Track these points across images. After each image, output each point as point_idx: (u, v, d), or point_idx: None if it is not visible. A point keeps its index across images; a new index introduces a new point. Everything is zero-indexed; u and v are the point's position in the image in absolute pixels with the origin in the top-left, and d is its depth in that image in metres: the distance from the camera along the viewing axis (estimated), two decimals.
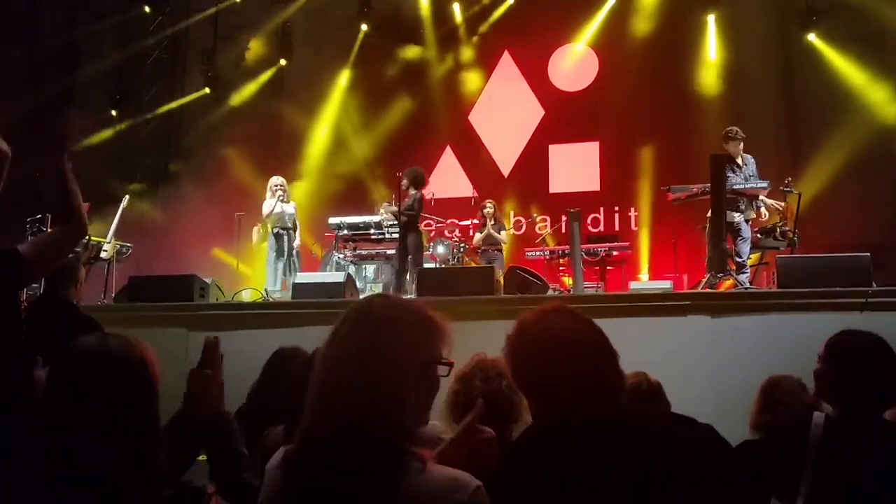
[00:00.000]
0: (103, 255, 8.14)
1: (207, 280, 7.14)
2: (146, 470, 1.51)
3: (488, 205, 9.80)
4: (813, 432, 2.37)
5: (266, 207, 8.87)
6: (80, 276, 4.09)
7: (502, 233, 9.81)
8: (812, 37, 10.76)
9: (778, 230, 8.02)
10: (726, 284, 7.19)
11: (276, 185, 8.94)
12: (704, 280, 7.39)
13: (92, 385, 1.53)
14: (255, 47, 12.44)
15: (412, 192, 8.64)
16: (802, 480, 2.32)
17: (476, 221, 9.79)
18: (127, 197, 9.03)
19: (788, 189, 8.11)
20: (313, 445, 1.43)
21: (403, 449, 1.42)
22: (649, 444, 1.55)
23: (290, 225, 9.02)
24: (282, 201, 8.85)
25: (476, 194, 9.99)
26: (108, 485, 1.48)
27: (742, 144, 8.10)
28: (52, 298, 4.02)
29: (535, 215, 11.02)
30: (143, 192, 11.60)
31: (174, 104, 12.89)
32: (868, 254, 6.09)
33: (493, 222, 9.65)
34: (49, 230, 2.62)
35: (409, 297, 7.29)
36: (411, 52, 12.33)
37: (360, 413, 1.41)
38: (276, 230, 8.92)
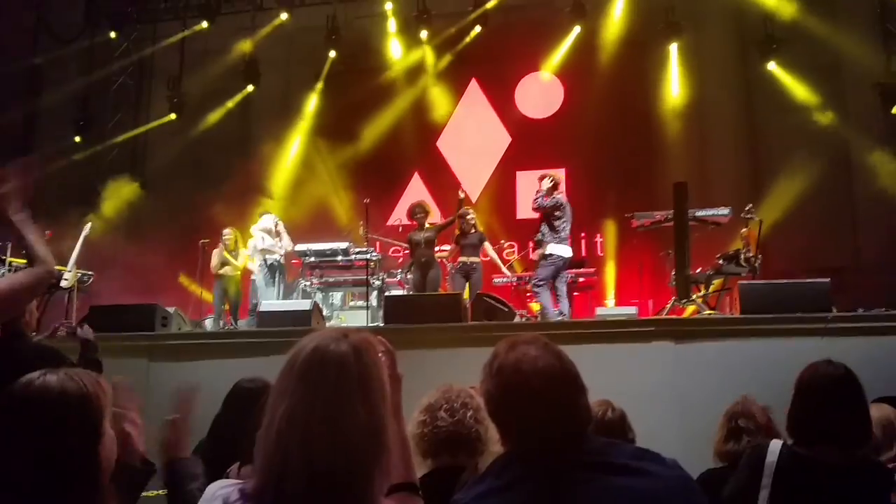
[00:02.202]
0: (63, 283, 7.99)
1: (170, 309, 7.04)
2: None
3: (471, 212, 9.19)
4: (769, 459, 2.41)
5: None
6: (29, 306, 4.01)
7: (486, 244, 9.23)
8: (772, 65, 11.00)
9: (741, 256, 8.15)
10: (689, 310, 7.27)
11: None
12: (668, 305, 7.49)
13: (23, 425, 1.49)
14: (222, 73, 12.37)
15: (427, 224, 8.94)
16: None
17: (446, 248, 9.49)
18: (89, 225, 8.91)
19: (750, 216, 8.27)
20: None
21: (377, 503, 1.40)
22: (603, 496, 1.55)
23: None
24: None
25: (444, 220, 9.99)
26: None
27: (552, 187, 8.33)
28: (8, 333, 3.95)
29: (502, 241, 11.06)
30: (106, 219, 11.44)
31: (139, 130, 12.78)
32: (828, 279, 6.21)
33: (473, 230, 9.01)
34: (16, 271, 2.63)
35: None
36: (379, 79, 12.38)
37: (349, 475, 1.37)
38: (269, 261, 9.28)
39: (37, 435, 1.48)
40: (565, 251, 8.13)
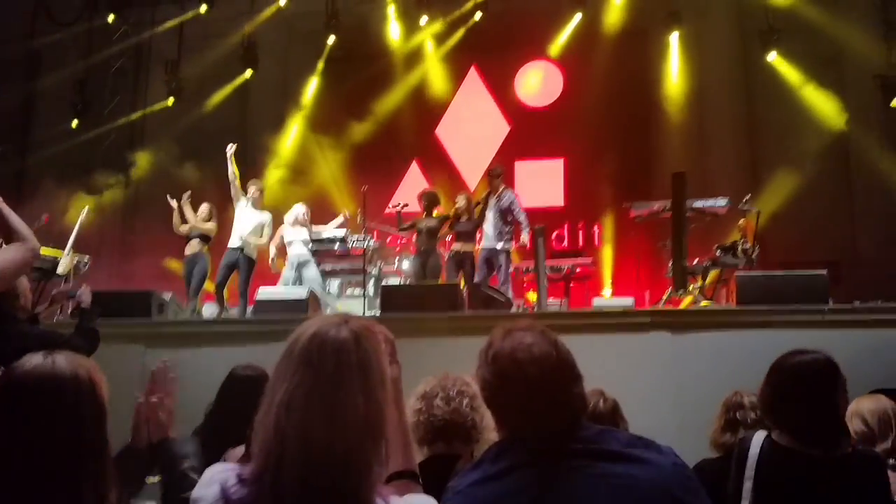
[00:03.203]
0: (60, 269, 7.94)
1: (166, 296, 7.03)
2: (91, 492, 1.47)
3: (461, 199, 8.77)
4: (752, 451, 2.41)
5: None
6: (22, 289, 4.03)
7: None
8: (772, 56, 10.96)
9: (738, 247, 8.15)
10: (686, 301, 7.28)
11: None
12: (665, 296, 7.50)
13: (38, 406, 1.48)
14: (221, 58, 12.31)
15: (434, 213, 8.78)
16: (743, 498, 2.36)
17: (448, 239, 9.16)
18: (86, 209, 8.85)
19: (747, 207, 8.27)
20: (290, 495, 1.36)
21: (375, 493, 1.40)
22: (598, 483, 1.55)
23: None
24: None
25: (441, 210, 9.96)
26: None
27: (500, 180, 8.65)
28: (1, 319, 3.97)
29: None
30: (104, 203, 11.43)
31: (137, 115, 12.73)
32: (825, 271, 6.21)
33: (466, 217, 8.62)
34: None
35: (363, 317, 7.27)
36: (379, 65, 12.33)
37: (346, 462, 1.37)
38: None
39: (53, 416, 1.48)
40: None
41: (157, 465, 1.98)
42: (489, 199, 8.52)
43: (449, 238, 8.89)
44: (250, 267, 8.49)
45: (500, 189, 8.52)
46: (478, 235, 8.67)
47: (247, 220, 8.56)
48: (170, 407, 2.01)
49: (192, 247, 8.78)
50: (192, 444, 2.38)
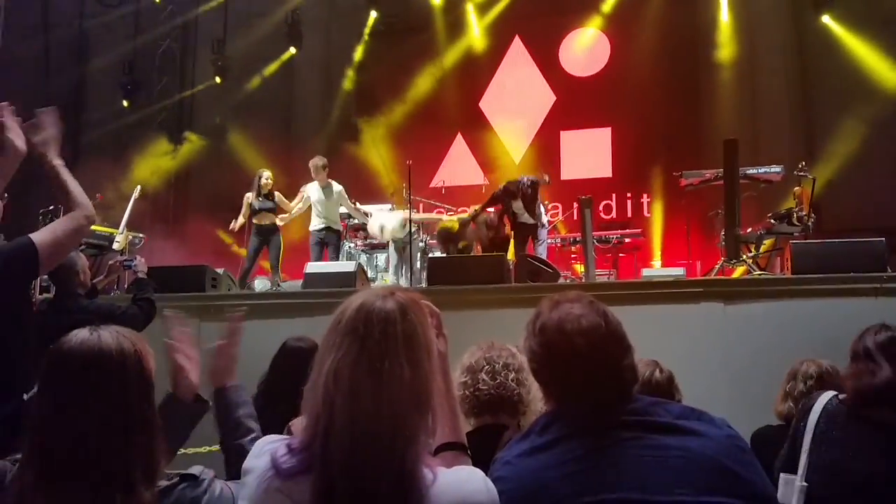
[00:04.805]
0: (115, 246, 8.17)
1: (219, 271, 7.16)
2: (140, 465, 1.50)
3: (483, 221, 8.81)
4: (816, 407, 2.41)
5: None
6: (81, 266, 4.16)
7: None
8: (826, 19, 10.62)
9: (793, 215, 7.94)
10: (739, 271, 7.14)
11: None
12: (717, 266, 7.36)
13: (85, 382, 1.51)
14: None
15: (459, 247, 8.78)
16: (801, 456, 2.34)
17: (492, 210, 9.03)
18: (138, 188, 9.06)
19: (803, 173, 8.03)
20: (339, 463, 1.37)
21: (422, 462, 1.41)
22: (647, 454, 1.53)
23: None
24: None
25: (487, 182, 9.86)
26: (103, 481, 1.46)
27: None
28: (63, 296, 4.13)
29: (546, 202, 10.95)
30: (157, 181, 11.67)
31: (185, 94, 12.93)
32: (882, 238, 6.01)
33: (494, 233, 8.76)
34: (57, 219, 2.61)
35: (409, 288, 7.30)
36: (421, 39, 12.27)
37: (393, 430, 1.38)
38: None
39: (100, 392, 1.51)
40: None
41: (216, 410, 2.01)
42: (513, 204, 8.50)
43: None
44: (339, 240, 8.93)
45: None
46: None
47: (321, 199, 8.76)
48: (232, 354, 2.07)
49: (268, 217, 8.65)
50: (245, 390, 2.44)
